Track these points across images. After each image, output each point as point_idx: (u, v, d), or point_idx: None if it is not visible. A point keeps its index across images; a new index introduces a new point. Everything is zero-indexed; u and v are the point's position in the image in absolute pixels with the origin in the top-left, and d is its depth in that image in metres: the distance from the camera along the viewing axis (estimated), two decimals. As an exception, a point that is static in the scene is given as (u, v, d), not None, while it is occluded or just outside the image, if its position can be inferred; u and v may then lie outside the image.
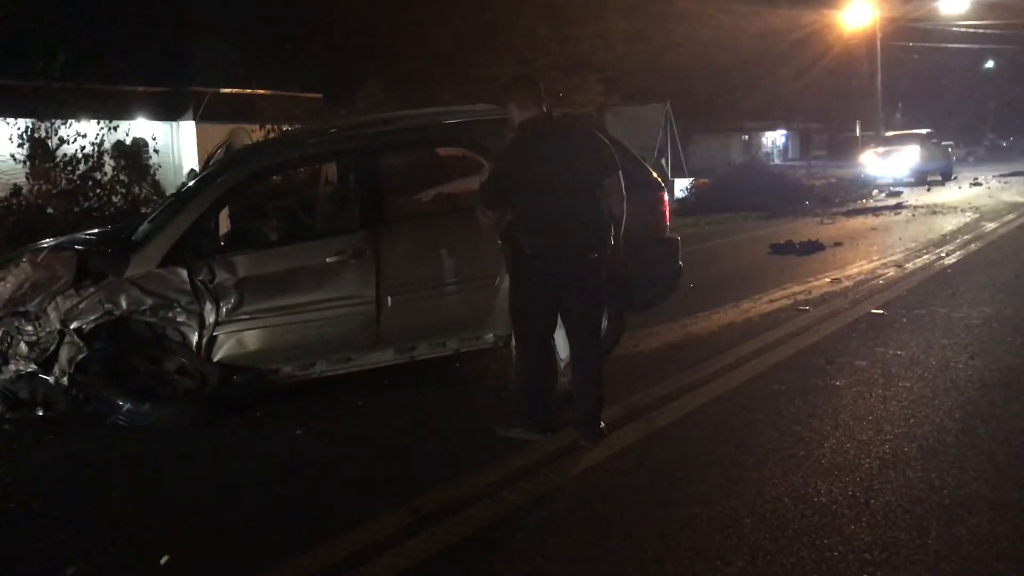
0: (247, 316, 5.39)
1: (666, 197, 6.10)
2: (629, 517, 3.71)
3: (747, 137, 47.25)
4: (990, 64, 57.91)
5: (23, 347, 5.16)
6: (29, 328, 5.16)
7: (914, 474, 4.01)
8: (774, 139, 52.54)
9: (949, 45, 45.70)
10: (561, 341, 4.83)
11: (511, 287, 4.79)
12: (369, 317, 5.52)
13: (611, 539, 3.52)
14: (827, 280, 9.44)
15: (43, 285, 5.20)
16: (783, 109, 46.63)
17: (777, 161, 42.62)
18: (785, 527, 3.53)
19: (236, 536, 3.74)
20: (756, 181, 21.72)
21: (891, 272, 9.83)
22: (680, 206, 19.15)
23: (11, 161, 11.62)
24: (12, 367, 5.17)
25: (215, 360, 5.38)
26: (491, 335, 5.70)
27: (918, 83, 50.95)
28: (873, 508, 3.67)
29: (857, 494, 3.82)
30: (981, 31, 42.25)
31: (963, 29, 42.20)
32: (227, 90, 22.70)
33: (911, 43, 42.28)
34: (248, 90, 22.06)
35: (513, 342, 5.20)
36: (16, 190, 10.98)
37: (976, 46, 46.69)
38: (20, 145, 11.50)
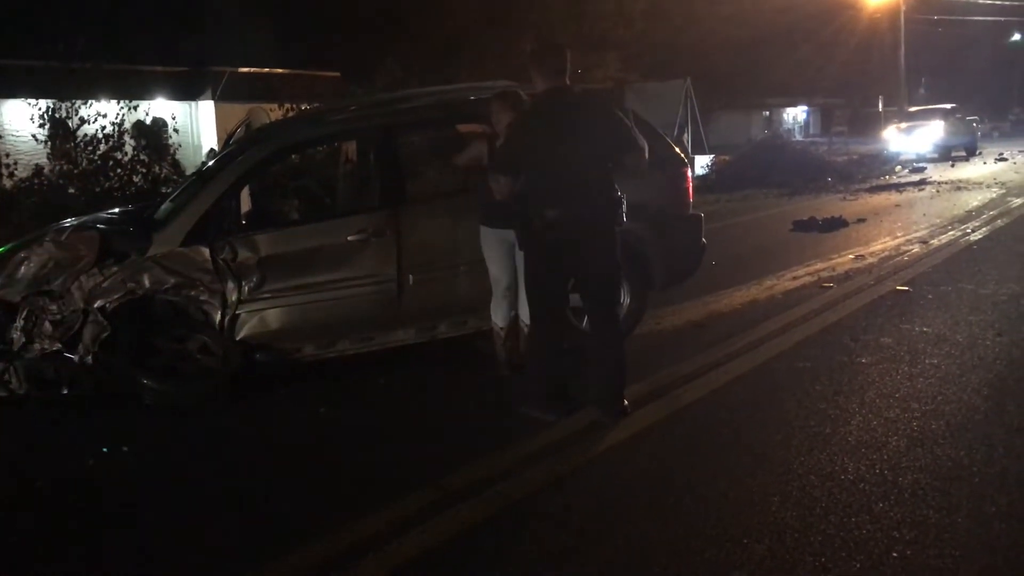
0: (269, 295, 5.40)
1: (689, 173, 6.03)
2: (654, 496, 3.69)
3: (768, 113, 46.84)
4: (1016, 37, 56.94)
5: (48, 326, 5.18)
6: (53, 307, 5.18)
7: (942, 452, 3.97)
8: (795, 115, 52.01)
9: (974, 18, 44.98)
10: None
11: (525, 263, 4.75)
12: (390, 296, 5.51)
13: (637, 518, 3.50)
14: (851, 257, 9.34)
15: (66, 265, 5.23)
16: (804, 85, 46.09)
17: (799, 137, 42.19)
18: (812, 505, 3.50)
19: (262, 515, 3.75)
20: (777, 158, 21.55)
21: (916, 249, 9.72)
22: (701, 183, 19.00)
23: (32, 141, 11.70)
24: (37, 346, 5.19)
25: (237, 339, 5.39)
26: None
27: (942, 57, 50.20)
28: (901, 486, 3.64)
29: (885, 472, 3.78)
30: (1007, 3, 41.53)
31: (989, 2, 41.51)
32: (245, 70, 22.75)
33: (935, 16, 41.64)
34: (266, 69, 22.07)
35: (525, 320, 5.15)
36: (38, 170, 11.06)
37: (1002, 19, 45.95)
38: (41, 125, 11.56)
